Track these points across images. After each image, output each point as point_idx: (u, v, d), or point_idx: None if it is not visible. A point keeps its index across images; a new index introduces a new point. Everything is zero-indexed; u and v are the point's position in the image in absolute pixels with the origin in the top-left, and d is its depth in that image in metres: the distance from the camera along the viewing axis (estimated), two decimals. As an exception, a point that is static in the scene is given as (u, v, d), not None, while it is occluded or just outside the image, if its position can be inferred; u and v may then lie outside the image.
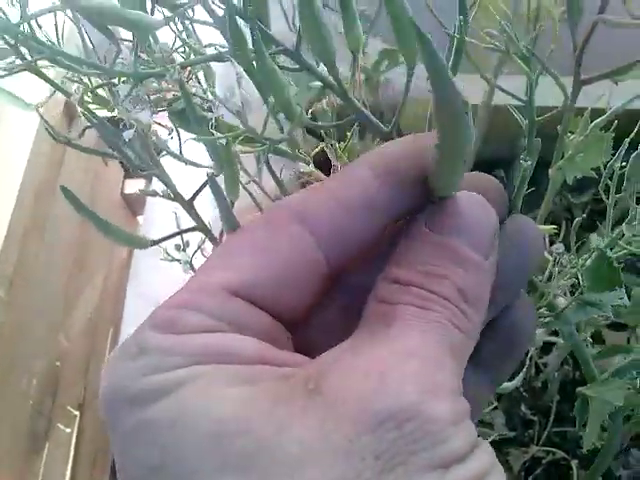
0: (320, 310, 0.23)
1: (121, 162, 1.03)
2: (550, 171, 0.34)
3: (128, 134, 0.24)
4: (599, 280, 0.33)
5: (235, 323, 0.20)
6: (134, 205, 0.96)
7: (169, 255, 0.29)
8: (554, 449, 0.57)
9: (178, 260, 0.29)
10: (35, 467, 0.69)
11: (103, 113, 1.00)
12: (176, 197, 0.28)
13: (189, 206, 0.26)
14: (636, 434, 0.55)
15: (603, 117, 0.29)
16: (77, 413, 0.79)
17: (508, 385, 0.54)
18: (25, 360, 0.68)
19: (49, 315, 0.74)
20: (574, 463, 0.56)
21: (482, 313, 0.22)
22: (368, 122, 0.23)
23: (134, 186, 0.96)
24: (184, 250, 0.29)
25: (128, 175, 0.96)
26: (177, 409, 0.17)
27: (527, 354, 0.58)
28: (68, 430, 0.77)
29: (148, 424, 0.18)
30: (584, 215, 0.54)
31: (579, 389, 0.36)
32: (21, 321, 0.67)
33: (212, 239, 0.28)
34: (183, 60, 0.21)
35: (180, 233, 0.27)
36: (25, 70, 0.22)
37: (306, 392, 0.18)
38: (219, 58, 0.20)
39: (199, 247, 0.29)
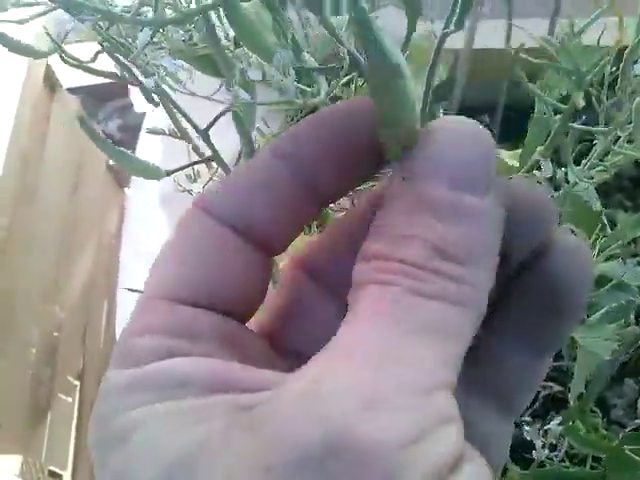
0: (300, 306, 0.22)
1: (106, 134, 1.02)
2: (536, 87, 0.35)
3: (149, 82, 0.24)
4: (581, 226, 0.33)
5: (189, 334, 0.18)
6: (120, 176, 0.96)
7: (181, 186, 0.30)
8: (551, 383, 0.59)
9: (190, 190, 0.30)
10: (39, 437, 0.70)
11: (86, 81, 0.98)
12: (182, 135, 0.28)
13: (205, 135, 0.26)
14: (631, 364, 0.56)
15: (586, 23, 0.30)
16: (77, 383, 0.80)
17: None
18: (22, 330, 0.68)
19: (42, 285, 0.74)
20: (570, 395, 0.58)
21: (485, 270, 0.17)
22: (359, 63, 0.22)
23: (120, 158, 0.96)
24: (195, 181, 0.30)
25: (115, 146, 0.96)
26: (128, 459, 0.16)
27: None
28: (69, 400, 0.78)
29: (109, 473, 0.17)
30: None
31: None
32: (16, 290, 0.67)
33: (225, 169, 0.28)
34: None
35: (195, 163, 0.28)
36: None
37: (244, 432, 0.15)
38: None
39: (210, 178, 0.29)
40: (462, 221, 0.16)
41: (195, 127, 0.26)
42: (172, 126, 0.36)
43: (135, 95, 1.08)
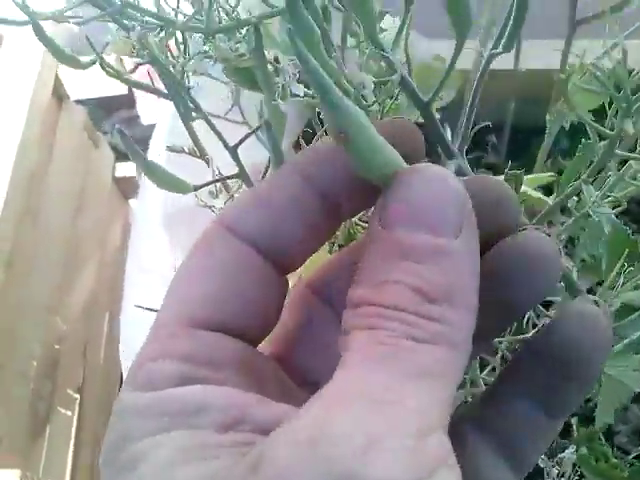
0: (309, 328, 0.22)
1: (112, 146, 1.02)
2: (547, 116, 0.35)
3: (197, 88, 0.24)
4: (615, 257, 0.32)
5: (207, 360, 0.18)
6: (125, 188, 0.96)
7: (202, 201, 0.29)
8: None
9: (212, 207, 0.29)
10: (37, 450, 0.69)
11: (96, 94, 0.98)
12: (201, 153, 0.28)
13: (234, 152, 0.26)
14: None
15: (602, 53, 0.30)
16: (77, 396, 0.79)
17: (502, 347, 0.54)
18: (24, 342, 0.67)
19: (46, 298, 0.73)
20: (574, 420, 0.57)
21: (466, 308, 0.17)
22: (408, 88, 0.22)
23: (125, 170, 0.96)
24: (217, 197, 0.29)
25: (119, 159, 0.96)
26: None
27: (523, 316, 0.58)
28: (69, 413, 0.77)
29: None
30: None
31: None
32: (19, 303, 0.66)
33: (250, 186, 0.28)
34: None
35: (222, 180, 0.27)
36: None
37: (248, 475, 0.15)
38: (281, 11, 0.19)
39: (231, 195, 0.29)
40: (439, 262, 0.17)
41: (225, 144, 0.26)
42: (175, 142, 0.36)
43: (141, 107, 1.09)
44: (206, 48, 0.23)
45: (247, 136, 0.25)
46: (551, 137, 0.35)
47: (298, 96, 0.22)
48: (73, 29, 0.29)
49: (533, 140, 0.68)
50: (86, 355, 0.82)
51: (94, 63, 0.22)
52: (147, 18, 0.20)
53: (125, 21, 0.21)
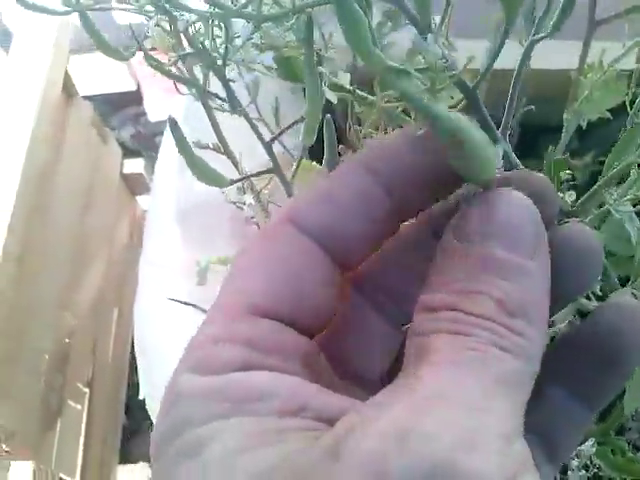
0: (350, 320, 0.22)
1: (120, 143, 1.02)
2: (565, 114, 0.35)
3: (251, 77, 0.25)
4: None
5: (270, 348, 0.18)
6: (133, 185, 0.97)
7: (232, 200, 0.30)
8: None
9: (243, 203, 0.30)
10: (49, 443, 0.70)
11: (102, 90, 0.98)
12: (225, 149, 0.28)
13: (269, 147, 0.26)
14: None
15: (620, 54, 0.30)
16: (87, 390, 0.80)
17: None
18: (36, 337, 0.68)
19: (56, 294, 0.74)
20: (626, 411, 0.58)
21: (540, 324, 0.18)
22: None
23: (133, 166, 0.96)
24: (244, 193, 0.30)
25: (126, 155, 0.96)
26: (202, 472, 0.16)
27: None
28: (79, 407, 0.78)
29: None
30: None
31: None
32: (31, 297, 0.67)
33: (284, 182, 0.28)
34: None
35: (253, 176, 0.28)
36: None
37: (327, 460, 0.15)
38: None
39: (259, 192, 0.30)
40: (520, 280, 0.18)
41: (260, 139, 0.26)
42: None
43: (149, 104, 1.09)
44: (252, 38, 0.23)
45: (285, 129, 0.25)
46: (568, 136, 0.35)
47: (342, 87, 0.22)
48: (77, 24, 0.29)
49: (541, 140, 0.68)
50: (95, 350, 0.83)
51: (133, 55, 0.23)
52: (197, 6, 0.20)
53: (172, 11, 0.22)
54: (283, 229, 0.20)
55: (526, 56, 0.22)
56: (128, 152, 0.99)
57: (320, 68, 0.23)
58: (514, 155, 0.23)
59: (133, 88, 0.95)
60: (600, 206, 0.42)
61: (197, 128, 0.44)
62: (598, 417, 0.58)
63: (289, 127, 0.26)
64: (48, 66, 0.74)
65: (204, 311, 0.32)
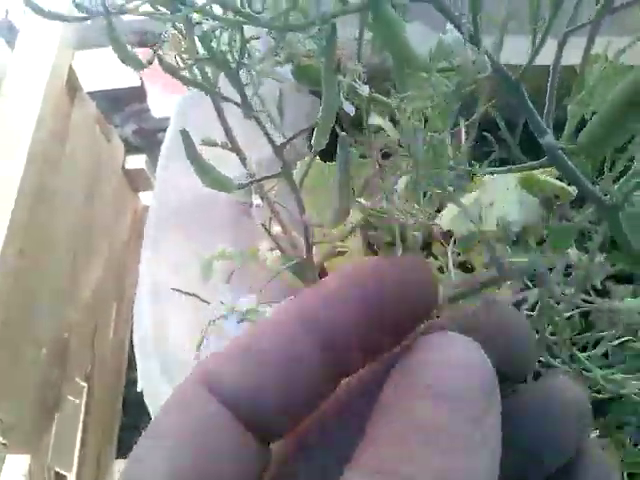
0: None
1: (123, 139, 1.02)
2: (568, 107, 0.35)
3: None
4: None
5: None
6: (135, 180, 0.97)
7: (239, 200, 0.30)
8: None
9: (251, 203, 0.30)
10: (46, 437, 0.70)
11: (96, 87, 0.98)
12: (233, 147, 0.29)
13: (280, 151, 0.26)
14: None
15: (626, 44, 0.30)
16: (85, 385, 0.80)
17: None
18: (35, 329, 0.68)
19: (56, 288, 0.74)
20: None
21: None
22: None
23: (135, 162, 0.96)
24: (252, 193, 0.30)
25: (129, 152, 0.96)
26: None
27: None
28: (77, 401, 0.78)
29: None
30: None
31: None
32: (31, 290, 0.67)
33: (292, 184, 0.28)
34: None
35: (265, 179, 0.28)
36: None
37: None
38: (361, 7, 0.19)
39: (271, 188, 0.30)
40: (464, 455, 0.15)
41: (271, 142, 0.27)
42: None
43: (152, 100, 1.09)
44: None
45: (298, 134, 0.25)
46: (571, 127, 0.35)
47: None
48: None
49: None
50: (94, 345, 0.83)
51: (151, 63, 0.23)
52: (223, 14, 0.20)
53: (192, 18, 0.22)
54: (195, 393, 0.17)
55: (561, 50, 0.23)
56: (131, 148, 0.99)
57: (340, 77, 0.22)
58: (561, 151, 0.23)
59: (137, 84, 0.95)
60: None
61: (198, 122, 0.44)
62: (596, 415, 0.58)
63: (301, 133, 0.26)
64: (52, 61, 0.74)
65: (206, 302, 0.32)
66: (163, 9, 0.22)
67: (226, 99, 0.26)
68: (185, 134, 0.21)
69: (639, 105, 0.18)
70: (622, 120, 0.19)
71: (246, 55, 0.23)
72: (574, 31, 0.25)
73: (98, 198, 0.85)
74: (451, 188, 0.37)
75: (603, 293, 0.59)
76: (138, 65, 0.23)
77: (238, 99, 0.32)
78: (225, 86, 0.32)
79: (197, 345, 0.30)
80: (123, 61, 0.23)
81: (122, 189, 0.95)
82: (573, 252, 0.50)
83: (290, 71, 0.24)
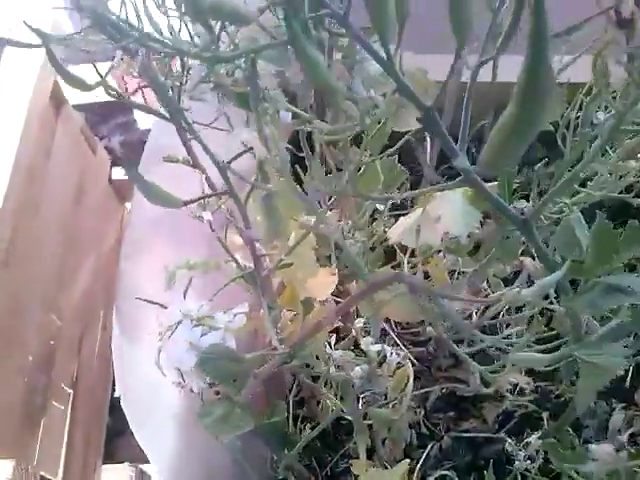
0: None
1: (107, 149, 1.04)
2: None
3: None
4: (603, 250, 0.34)
5: None
6: (122, 191, 0.99)
7: (194, 214, 0.32)
8: (526, 403, 0.61)
9: (201, 217, 0.32)
10: (31, 443, 0.72)
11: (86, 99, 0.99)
12: (195, 164, 0.31)
13: (223, 170, 0.29)
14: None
15: (562, 66, 0.32)
16: (71, 391, 0.82)
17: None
18: (21, 336, 0.70)
19: (42, 294, 0.76)
20: (545, 415, 0.60)
21: None
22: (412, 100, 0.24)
23: (121, 173, 0.98)
24: (204, 209, 0.32)
25: (117, 163, 0.99)
26: None
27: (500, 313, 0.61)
28: (62, 407, 0.79)
29: None
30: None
31: (572, 350, 0.36)
32: (17, 298, 0.69)
33: (238, 202, 0.31)
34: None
35: (208, 196, 0.30)
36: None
37: None
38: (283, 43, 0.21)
39: (219, 206, 0.32)
40: None
41: (215, 162, 0.29)
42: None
43: (138, 113, 1.12)
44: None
45: (237, 156, 0.27)
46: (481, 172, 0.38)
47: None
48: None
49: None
50: (80, 351, 0.85)
51: (98, 85, 0.25)
52: (159, 46, 0.22)
53: (131, 45, 0.24)
54: None
55: (473, 79, 0.25)
56: (118, 160, 1.01)
57: (265, 104, 0.25)
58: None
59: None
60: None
61: (174, 140, 0.47)
62: (554, 417, 0.60)
63: (241, 154, 0.28)
64: (37, 75, 0.76)
65: (165, 307, 0.34)
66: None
67: (164, 117, 0.28)
68: (127, 165, 0.23)
69: (524, 124, 0.20)
70: (511, 139, 0.21)
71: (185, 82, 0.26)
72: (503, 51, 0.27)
73: (84, 209, 0.87)
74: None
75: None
76: (85, 88, 0.25)
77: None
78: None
79: (157, 350, 0.32)
80: (69, 84, 0.25)
81: (108, 200, 0.97)
82: (529, 261, 0.52)
83: (217, 97, 0.26)
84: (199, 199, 0.29)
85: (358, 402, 0.47)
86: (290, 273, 0.36)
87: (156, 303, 0.37)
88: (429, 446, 0.59)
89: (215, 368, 0.29)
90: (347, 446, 0.59)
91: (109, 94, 0.26)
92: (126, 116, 1.12)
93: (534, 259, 0.51)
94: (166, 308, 0.36)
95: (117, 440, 0.95)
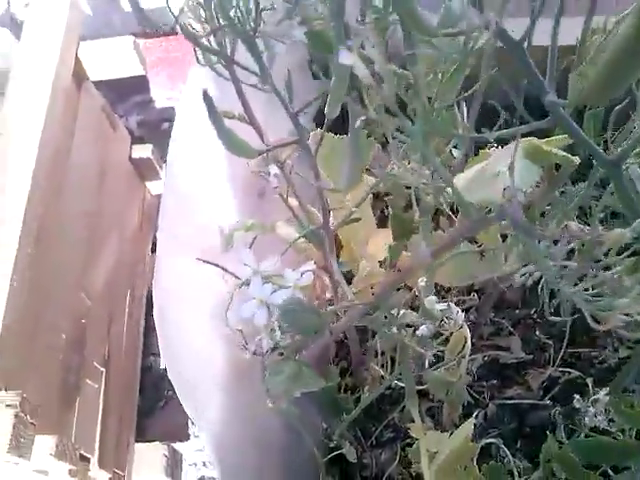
0: None
1: (127, 128, 1.03)
2: (570, 77, 0.36)
3: (299, 34, 0.26)
4: None
5: None
6: (142, 170, 0.98)
7: (256, 170, 0.31)
8: (569, 369, 0.60)
9: (267, 173, 0.31)
10: (69, 419, 0.72)
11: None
12: (251, 119, 0.30)
13: (295, 118, 0.27)
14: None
15: (627, 11, 0.31)
16: (103, 370, 0.81)
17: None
18: (53, 316, 0.70)
19: (72, 275, 0.75)
20: (589, 381, 0.59)
21: None
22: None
23: (141, 152, 0.97)
24: (268, 164, 0.31)
25: (134, 142, 0.97)
26: None
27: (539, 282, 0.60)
28: (96, 386, 0.79)
29: None
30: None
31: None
32: (47, 278, 0.68)
33: (308, 152, 0.29)
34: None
35: (282, 146, 0.29)
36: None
37: None
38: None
39: (286, 158, 0.31)
40: None
41: (287, 108, 0.28)
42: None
43: (155, 91, 1.10)
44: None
45: (312, 102, 0.26)
46: (574, 96, 0.36)
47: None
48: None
49: (538, 117, 0.70)
50: (110, 331, 0.85)
51: (176, 33, 0.24)
52: None
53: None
54: None
55: (556, 29, 0.24)
56: (135, 139, 1.00)
57: (349, 42, 0.24)
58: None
59: (141, 73, 0.96)
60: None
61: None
62: (596, 382, 0.59)
63: (315, 100, 0.27)
64: (59, 51, 0.75)
65: (233, 275, 0.33)
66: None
67: (244, 68, 0.27)
68: (207, 97, 0.22)
69: (636, 50, 0.19)
70: (622, 65, 0.20)
71: (261, 24, 0.24)
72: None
73: (107, 187, 0.86)
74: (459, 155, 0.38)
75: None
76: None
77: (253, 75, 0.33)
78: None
79: (225, 308, 0.31)
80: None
81: (130, 178, 0.96)
82: (575, 224, 0.51)
83: (304, 35, 0.25)
84: (272, 148, 0.28)
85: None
86: (350, 232, 0.35)
87: (215, 265, 0.36)
88: (474, 414, 0.59)
89: (297, 320, 0.28)
90: (390, 417, 0.59)
91: (187, 37, 0.25)
92: (143, 95, 1.11)
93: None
94: (224, 270, 0.35)
95: (146, 420, 0.95)
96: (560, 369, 0.61)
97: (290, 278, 0.31)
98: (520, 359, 0.62)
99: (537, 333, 0.63)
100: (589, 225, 0.48)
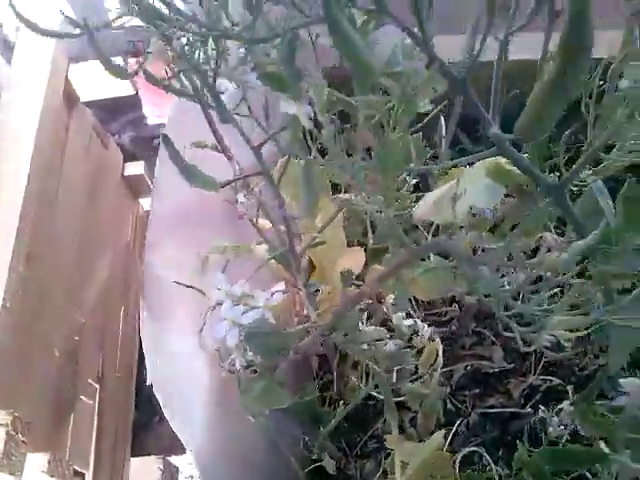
0: None
1: (120, 146, 1.05)
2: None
3: (232, 94, 0.27)
4: (634, 213, 0.34)
5: None
6: (135, 186, 1.00)
7: (226, 199, 0.32)
8: (550, 377, 0.62)
9: (236, 201, 0.32)
10: (63, 437, 0.73)
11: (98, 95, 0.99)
12: (223, 149, 0.31)
13: (257, 151, 0.29)
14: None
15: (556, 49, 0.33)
16: (97, 386, 0.83)
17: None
18: (46, 333, 0.71)
19: (64, 290, 0.77)
20: (569, 388, 0.61)
21: None
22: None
23: (134, 169, 0.99)
24: (237, 192, 0.32)
25: (127, 159, 0.99)
26: None
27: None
28: (90, 402, 0.80)
29: None
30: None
31: (605, 313, 0.36)
32: (40, 295, 0.70)
33: (271, 182, 0.31)
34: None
35: (244, 177, 0.30)
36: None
37: None
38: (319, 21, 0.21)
39: (252, 188, 0.32)
40: None
41: (248, 142, 0.29)
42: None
43: (147, 108, 1.12)
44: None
45: (270, 137, 0.28)
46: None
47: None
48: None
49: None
50: (104, 347, 0.86)
51: (137, 74, 0.26)
52: (197, 28, 0.22)
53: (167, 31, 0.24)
54: None
55: (501, 55, 0.25)
56: (129, 155, 1.02)
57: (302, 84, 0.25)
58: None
59: (131, 92, 0.98)
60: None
61: (192, 125, 0.47)
62: (576, 389, 0.60)
63: (274, 134, 0.28)
64: (49, 73, 0.77)
65: (202, 292, 0.34)
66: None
67: (209, 105, 0.29)
68: (167, 140, 0.23)
69: (562, 88, 0.21)
70: (549, 103, 0.21)
71: (222, 65, 0.26)
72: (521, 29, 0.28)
73: (100, 204, 0.88)
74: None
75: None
76: (123, 75, 0.26)
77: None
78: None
79: (199, 329, 0.33)
80: (108, 71, 0.25)
81: (122, 195, 0.97)
82: (550, 235, 0.52)
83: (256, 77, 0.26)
84: (234, 180, 0.30)
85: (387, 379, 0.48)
86: (321, 252, 0.36)
87: (191, 287, 0.37)
88: (457, 423, 0.60)
89: (260, 342, 0.29)
90: (374, 427, 0.60)
91: (148, 79, 0.27)
92: (135, 112, 1.13)
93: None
94: (201, 292, 0.36)
95: (142, 433, 0.97)
96: (541, 377, 0.63)
97: (261, 298, 0.32)
98: (502, 368, 0.63)
99: (518, 342, 0.64)
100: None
